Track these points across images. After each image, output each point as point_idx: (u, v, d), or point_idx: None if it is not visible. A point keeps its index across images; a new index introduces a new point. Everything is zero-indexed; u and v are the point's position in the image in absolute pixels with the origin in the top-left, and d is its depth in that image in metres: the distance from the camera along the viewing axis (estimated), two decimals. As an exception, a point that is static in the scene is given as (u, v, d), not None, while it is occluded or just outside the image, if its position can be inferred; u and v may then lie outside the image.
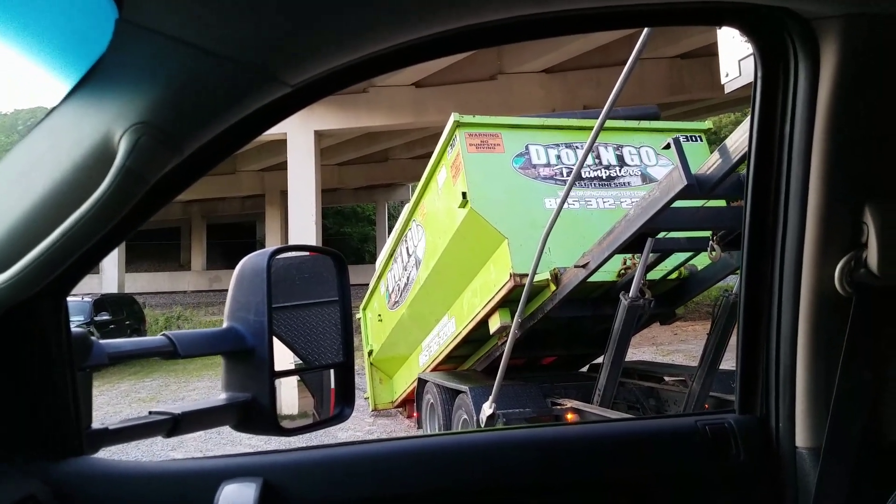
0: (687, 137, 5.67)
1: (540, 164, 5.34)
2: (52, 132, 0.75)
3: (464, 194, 5.03)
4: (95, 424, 0.91)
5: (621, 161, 5.52)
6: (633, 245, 4.01)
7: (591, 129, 3.76)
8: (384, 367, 8.11)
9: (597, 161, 5.44)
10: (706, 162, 3.53)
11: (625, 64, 3.19)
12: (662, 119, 6.34)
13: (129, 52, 0.71)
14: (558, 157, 5.41)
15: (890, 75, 1.01)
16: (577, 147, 5.38)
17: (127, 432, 0.91)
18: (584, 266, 4.33)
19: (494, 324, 5.23)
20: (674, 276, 4.84)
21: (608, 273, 4.48)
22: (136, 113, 0.71)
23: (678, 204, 3.63)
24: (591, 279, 4.38)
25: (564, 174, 5.21)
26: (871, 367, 1.10)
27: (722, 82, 4.56)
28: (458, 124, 5.30)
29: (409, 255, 6.56)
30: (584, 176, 5.30)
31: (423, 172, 6.11)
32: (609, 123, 5.36)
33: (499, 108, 10.70)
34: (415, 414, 7.07)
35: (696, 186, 3.39)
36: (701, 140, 5.74)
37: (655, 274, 4.73)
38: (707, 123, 6.12)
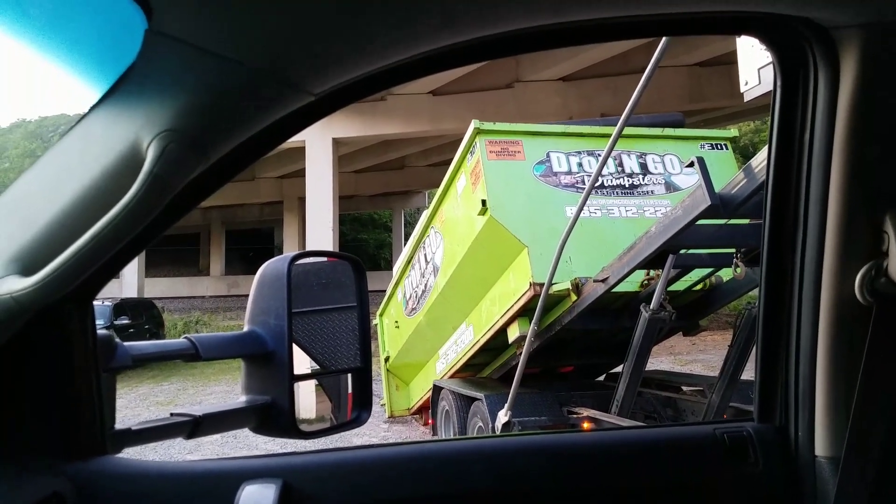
0: (712, 145, 5.58)
1: (561, 172, 5.27)
2: (82, 139, 0.77)
3: (483, 202, 4.98)
4: (118, 425, 0.93)
5: (644, 169, 5.42)
6: (654, 261, 3.97)
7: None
8: (401, 373, 8.08)
9: (619, 169, 5.36)
10: (731, 181, 3.48)
11: (643, 72, 3.18)
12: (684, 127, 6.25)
13: (158, 62, 0.73)
14: (580, 164, 5.33)
15: None
16: (598, 154, 5.27)
17: (149, 433, 0.92)
18: (603, 281, 4.30)
19: (513, 333, 5.16)
20: (698, 287, 4.77)
21: (631, 283, 4.41)
22: (163, 120, 0.73)
23: (701, 221, 3.59)
24: (614, 290, 4.30)
25: (586, 182, 5.12)
26: (892, 376, 1.09)
27: (741, 90, 4.53)
28: (478, 131, 5.24)
29: (426, 262, 6.52)
30: (606, 184, 5.22)
31: (439, 180, 6.09)
32: (632, 131, 5.29)
33: (515, 116, 10.67)
34: (430, 421, 7.06)
35: (721, 206, 3.33)
36: (727, 148, 5.63)
37: (680, 285, 4.66)
38: (733, 131, 5.97)
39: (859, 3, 0.93)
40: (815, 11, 0.95)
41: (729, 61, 9.80)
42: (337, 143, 12.57)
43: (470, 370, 6.46)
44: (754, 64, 4.22)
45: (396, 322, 7.58)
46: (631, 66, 11.25)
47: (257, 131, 0.82)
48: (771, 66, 1.14)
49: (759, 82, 4.18)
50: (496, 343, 5.64)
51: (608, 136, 3.61)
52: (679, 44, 10.36)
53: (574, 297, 4.57)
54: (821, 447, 1.14)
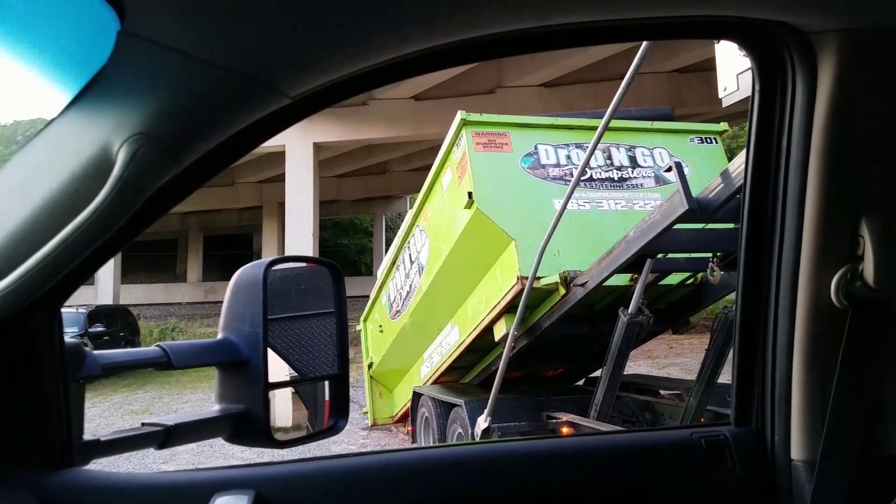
0: (702, 139, 5.57)
1: (549, 165, 5.19)
2: (52, 142, 0.75)
3: (469, 194, 4.87)
4: (87, 436, 0.90)
5: (634, 162, 5.36)
6: (632, 265, 3.98)
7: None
8: (384, 380, 7.98)
9: (608, 162, 5.30)
10: (708, 186, 3.51)
11: (622, 78, 3.20)
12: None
13: (130, 63, 0.71)
14: (568, 157, 5.26)
15: (886, 89, 1.02)
16: (587, 147, 5.20)
17: (119, 444, 0.90)
18: (582, 285, 4.32)
19: (500, 330, 5.07)
20: (690, 282, 4.76)
21: (621, 278, 4.37)
22: (135, 124, 0.71)
23: (679, 226, 3.61)
24: (605, 283, 4.27)
25: (574, 175, 5.09)
26: (867, 379, 1.10)
27: (720, 96, 4.58)
28: (464, 123, 5.13)
29: (411, 262, 6.40)
30: (595, 177, 5.17)
31: (421, 185, 6.02)
32: (621, 124, 5.23)
33: (497, 122, 10.72)
34: (410, 428, 7.02)
35: (698, 211, 3.38)
36: (716, 142, 5.63)
37: (673, 279, 4.66)
38: (722, 125, 5.89)
39: (837, 9, 0.94)
40: (794, 16, 0.95)
41: (707, 68, 9.92)
42: (318, 147, 12.51)
43: (454, 374, 6.39)
44: (733, 70, 4.27)
45: (380, 326, 7.46)
46: (611, 73, 11.35)
47: (232, 134, 0.80)
48: (749, 72, 1.15)
49: (738, 88, 4.23)
50: (482, 343, 5.57)
51: (597, 128, 3.60)
52: (658, 50, 10.48)
53: (563, 291, 4.48)
54: (797, 451, 1.15)
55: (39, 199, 0.74)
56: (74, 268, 0.77)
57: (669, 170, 3.60)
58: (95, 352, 0.90)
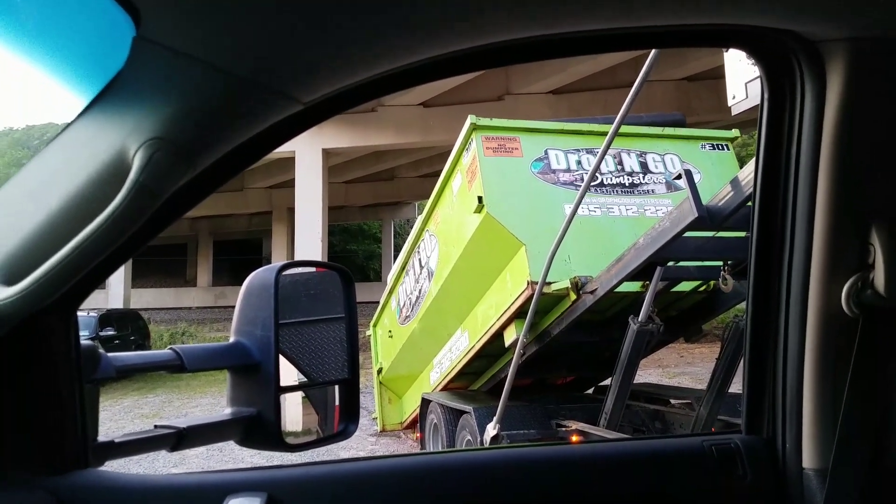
0: (714, 146, 5.54)
1: (559, 170, 5.16)
2: (68, 147, 0.76)
3: (479, 199, 4.85)
4: (101, 438, 0.92)
5: (645, 168, 5.33)
6: (642, 273, 3.96)
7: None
8: (394, 386, 7.94)
9: (619, 167, 5.27)
10: (717, 194, 3.48)
11: (631, 86, 3.20)
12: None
13: (145, 69, 0.72)
14: (578, 162, 5.23)
15: (895, 98, 1.02)
16: (598, 152, 5.20)
17: (132, 445, 0.91)
18: (591, 293, 4.30)
19: (510, 336, 5.02)
20: (703, 289, 4.72)
21: (633, 284, 4.34)
22: (150, 129, 0.72)
23: (689, 233, 3.58)
24: (617, 290, 4.24)
25: (585, 180, 5.06)
26: (878, 388, 1.10)
27: (729, 105, 4.57)
28: (474, 127, 5.11)
29: (421, 267, 6.38)
30: (605, 182, 5.15)
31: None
32: (632, 130, 5.21)
33: (506, 129, 10.73)
34: (419, 434, 7.00)
35: (707, 218, 3.35)
36: (728, 149, 5.59)
37: (686, 286, 4.62)
38: (734, 132, 5.82)
39: (846, 18, 0.94)
40: (802, 25, 0.96)
41: (716, 76, 9.90)
42: (327, 153, 12.56)
43: (464, 380, 6.33)
44: (741, 78, 4.27)
45: (390, 332, 7.43)
46: (619, 81, 11.36)
47: (245, 140, 0.82)
48: (758, 80, 1.15)
49: (747, 96, 4.23)
50: (492, 349, 5.52)
51: (607, 133, 3.59)
52: (667, 58, 10.47)
53: (573, 297, 4.45)
54: (808, 459, 1.14)
55: (56, 203, 0.75)
56: (90, 271, 0.78)
57: (679, 177, 3.57)
58: (110, 354, 0.91)
